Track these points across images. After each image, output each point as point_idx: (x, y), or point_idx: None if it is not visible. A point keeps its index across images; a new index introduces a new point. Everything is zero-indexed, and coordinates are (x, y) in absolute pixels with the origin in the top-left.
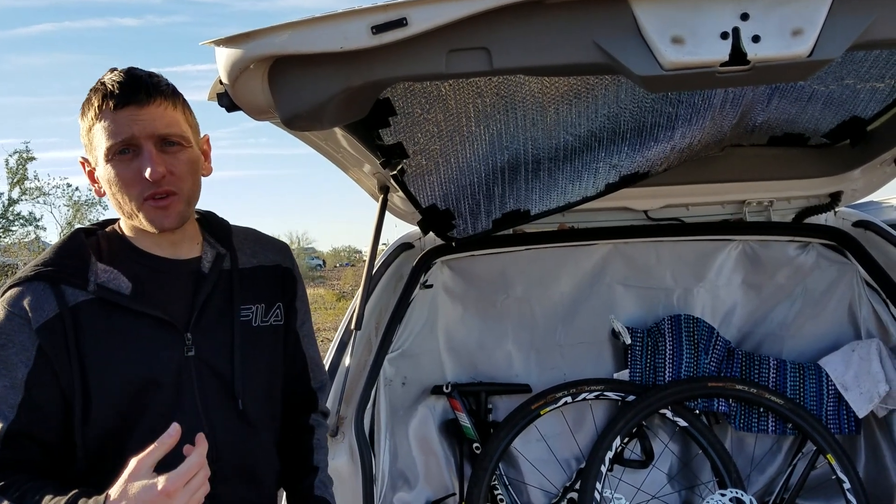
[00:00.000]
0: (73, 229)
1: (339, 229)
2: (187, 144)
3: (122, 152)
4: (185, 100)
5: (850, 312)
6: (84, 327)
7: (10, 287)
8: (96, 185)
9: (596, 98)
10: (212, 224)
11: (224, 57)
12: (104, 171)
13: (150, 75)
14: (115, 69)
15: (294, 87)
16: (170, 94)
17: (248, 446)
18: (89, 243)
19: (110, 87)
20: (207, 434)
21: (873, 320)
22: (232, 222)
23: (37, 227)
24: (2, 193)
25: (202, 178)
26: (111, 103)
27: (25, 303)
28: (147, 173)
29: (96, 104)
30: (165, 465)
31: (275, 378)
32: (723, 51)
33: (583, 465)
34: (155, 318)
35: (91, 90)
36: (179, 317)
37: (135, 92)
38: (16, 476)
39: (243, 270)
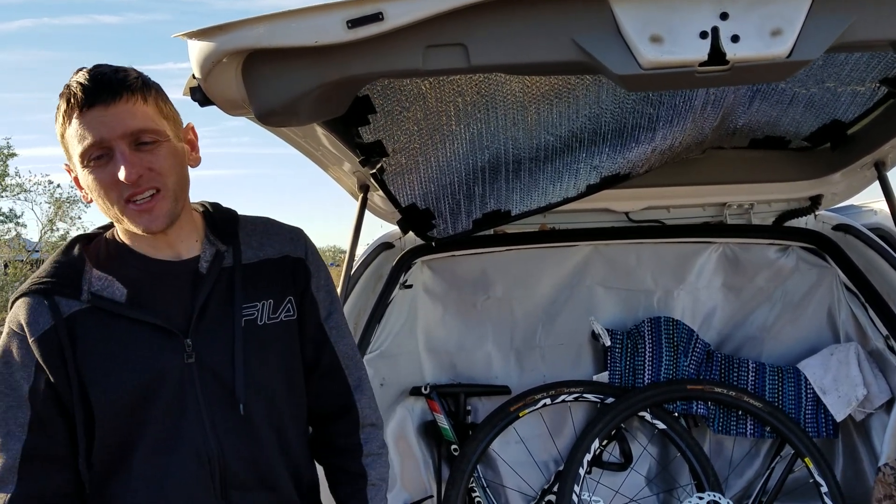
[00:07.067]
0: (73, 237)
1: (324, 229)
2: (164, 138)
3: (98, 157)
4: (158, 90)
5: (830, 316)
6: (80, 337)
7: (11, 305)
8: (83, 190)
9: (577, 98)
10: (216, 217)
11: (197, 50)
12: (84, 178)
13: (117, 70)
14: (81, 69)
15: (268, 81)
16: (138, 87)
17: (257, 450)
18: (89, 249)
19: (74, 89)
20: (213, 441)
21: (852, 324)
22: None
23: (17, 223)
24: None
25: (190, 168)
26: (77, 107)
27: (21, 318)
28: (121, 175)
29: (63, 109)
30: (167, 474)
31: (293, 374)
32: (702, 50)
33: (561, 468)
34: (153, 324)
35: (59, 95)
36: (178, 322)
37: (98, 92)
38: None
39: (248, 266)
